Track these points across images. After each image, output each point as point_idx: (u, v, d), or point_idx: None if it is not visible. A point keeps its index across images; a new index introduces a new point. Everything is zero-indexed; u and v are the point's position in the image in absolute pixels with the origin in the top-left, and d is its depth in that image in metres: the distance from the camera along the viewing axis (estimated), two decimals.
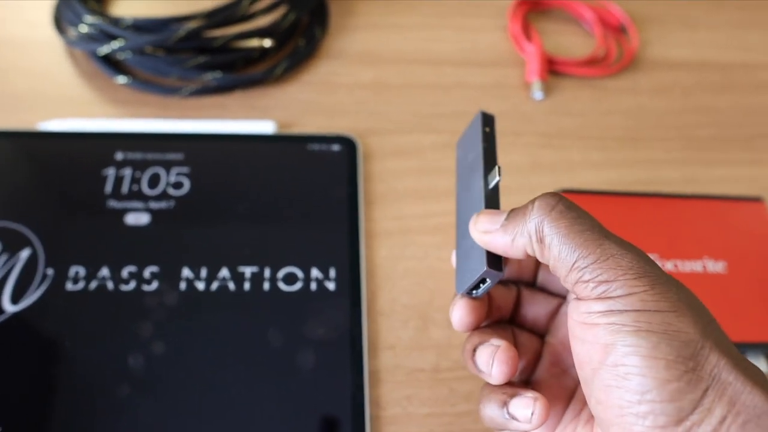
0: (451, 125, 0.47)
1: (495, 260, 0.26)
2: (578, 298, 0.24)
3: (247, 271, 0.39)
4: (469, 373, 0.35)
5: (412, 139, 0.46)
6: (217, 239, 0.40)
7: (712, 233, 0.39)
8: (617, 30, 0.54)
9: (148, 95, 0.47)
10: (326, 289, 0.38)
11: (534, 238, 0.24)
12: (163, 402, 0.34)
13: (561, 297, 0.30)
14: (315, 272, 0.39)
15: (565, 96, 0.50)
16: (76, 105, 0.46)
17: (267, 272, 0.39)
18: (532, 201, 0.25)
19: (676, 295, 0.22)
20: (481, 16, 0.54)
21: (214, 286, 0.38)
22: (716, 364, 0.21)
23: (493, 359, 0.26)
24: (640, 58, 0.53)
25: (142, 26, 0.45)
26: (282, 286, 0.38)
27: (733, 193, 0.46)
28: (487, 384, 0.27)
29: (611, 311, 0.22)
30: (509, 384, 0.27)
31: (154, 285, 0.38)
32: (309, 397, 0.35)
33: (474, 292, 0.27)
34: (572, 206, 0.24)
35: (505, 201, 0.44)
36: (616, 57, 0.53)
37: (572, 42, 0.54)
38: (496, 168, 0.28)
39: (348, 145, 0.44)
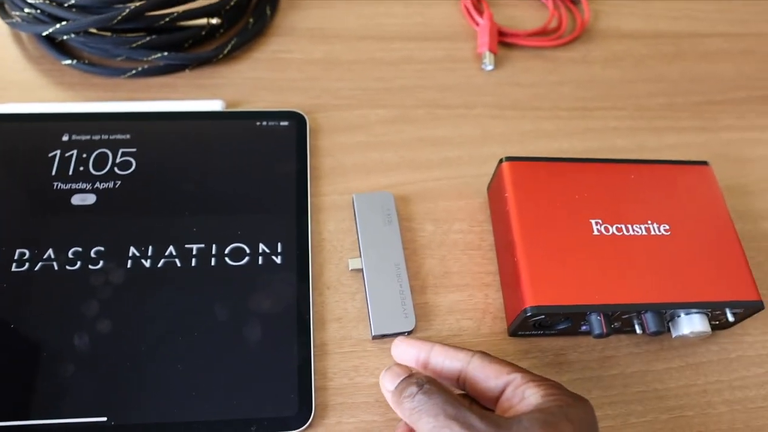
0: (399, 100, 0.47)
1: None
2: None
3: (194, 247, 0.39)
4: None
5: (360, 114, 0.46)
6: (164, 217, 0.40)
7: (657, 197, 0.39)
8: (570, 1, 0.54)
9: (95, 77, 0.46)
10: (273, 263, 0.38)
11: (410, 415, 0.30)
12: (110, 379, 0.34)
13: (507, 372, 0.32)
14: (262, 247, 0.39)
15: (516, 67, 0.50)
16: (23, 89, 0.45)
17: (214, 248, 0.39)
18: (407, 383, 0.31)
19: None
20: None
21: (161, 263, 0.38)
22: None
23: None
24: (593, 29, 0.53)
25: (85, 6, 0.44)
26: (229, 261, 0.38)
27: (683, 158, 0.46)
28: None
29: None
30: None
31: (100, 264, 0.37)
32: (256, 370, 0.35)
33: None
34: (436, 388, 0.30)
35: (458, 171, 0.44)
36: (568, 28, 0.53)
37: (526, 14, 0.54)
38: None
39: (297, 121, 0.44)
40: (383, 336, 0.37)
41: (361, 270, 0.38)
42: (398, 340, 0.34)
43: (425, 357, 0.33)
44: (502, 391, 0.30)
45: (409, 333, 0.37)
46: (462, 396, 0.32)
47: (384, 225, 0.39)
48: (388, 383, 0.31)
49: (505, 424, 0.27)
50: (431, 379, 0.30)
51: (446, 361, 0.32)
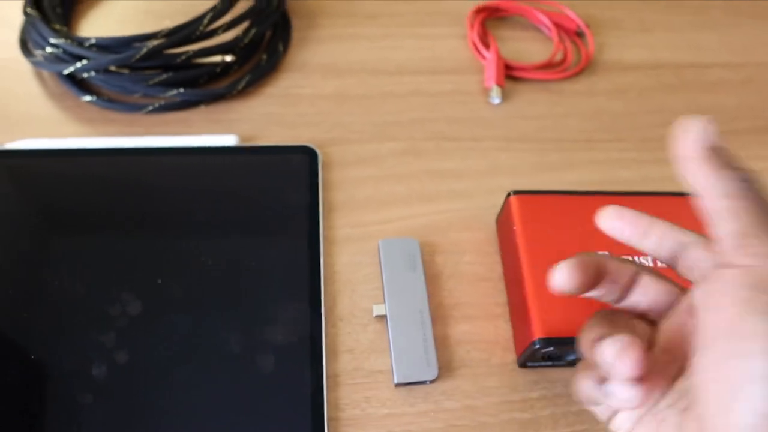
0: (409, 132, 0.48)
1: None
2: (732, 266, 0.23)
3: (209, 279, 0.40)
4: None
5: (371, 148, 0.47)
6: (178, 249, 0.41)
7: None
8: (574, 34, 0.55)
9: (114, 113, 0.48)
10: (287, 295, 0.39)
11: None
12: (126, 408, 0.35)
13: (680, 288, 0.29)
14: (276, 279, 0.40)
15: (522, 100, 0.51)
16: (44, 124, 0.47)
17: (228, 280, 0.40)
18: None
19: None
20: (441, 25, 0.55)
21: (175, 293, 0.39)
22: None
23: (623, 357, 0.25)
24: (597, 62, 0.54)
25: (105, 45, 0.46)
26: (243, 292, 0.39)
27: (686, 190, 0.47)
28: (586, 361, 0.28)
29: None
30: None
31: (117, 294, 0.39)
32: (270, 400, 0.36)
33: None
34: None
35: (467, 203, 0.45)
36: (573, 61, 0.54)
37: (531, 47, 0.55)
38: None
39: (308, 155, 0.45)
40: (406, 384, 0.37)
41: (385, 316, 0.39)
42: (610, 209, 0.31)
43: (647, 224, 0.30)
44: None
45: (431, 382, 0.37)
46: None
47: (408, 271, 0.40)
48: None
49: None
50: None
51: (672, 231, 0.29)
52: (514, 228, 0.39)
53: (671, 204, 0.41)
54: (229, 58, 0.49)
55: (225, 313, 0.38)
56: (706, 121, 0.25)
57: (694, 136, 0.25)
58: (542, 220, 0.39)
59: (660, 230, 0.30)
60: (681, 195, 0.42)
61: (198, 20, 0.47)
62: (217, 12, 0.47)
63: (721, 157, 0.25)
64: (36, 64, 0.48)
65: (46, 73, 0.50)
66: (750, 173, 0.25)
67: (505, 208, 0.41)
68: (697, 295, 0.25)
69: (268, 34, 0.53)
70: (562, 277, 0.28)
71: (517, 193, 0.40)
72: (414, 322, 0.39)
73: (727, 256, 0.23)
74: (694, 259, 0.28)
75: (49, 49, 0.47)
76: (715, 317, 0.23)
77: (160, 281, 0.39)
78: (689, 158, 0.26)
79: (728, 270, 0.23)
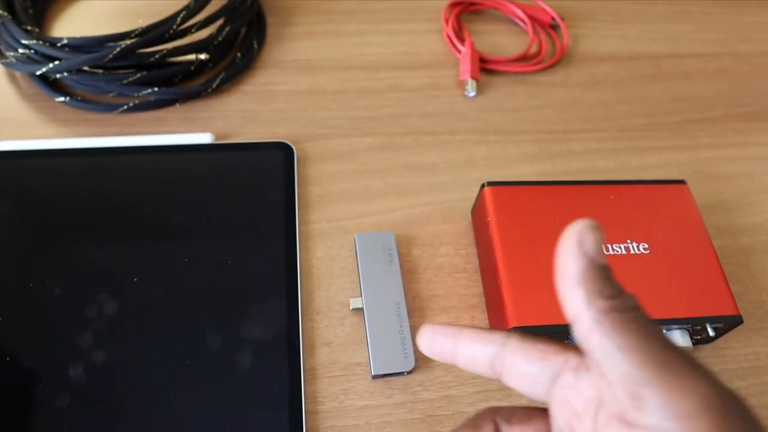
0: (385, 128, 0.48)
1: None
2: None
3: (185, 277, 0.39)
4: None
5: (347, 143, 0.47)
6: (155, 247, 0.40)
7: (637, 217, 0.40)
8: (549, 27, 0.56)
9: (88, 113, 0.47)
10: (263, 291, 0.39)
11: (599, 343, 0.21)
12: (104, 409, 0.35)
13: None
14: (252, 275, 0.40)
15: (499, 93, 0.51)
16: (18, 126, 0.47)
17: (204, 277, 0.39)
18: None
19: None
20: (416, 20, 0.55)
21: (152, 292, 0.39)
22: None
23: None
24: (573, 53, 0.55)
25: (78, 46, 0.46)
26: (219, 289, 0.39)
27: (664, 177, 0.47)
28: None
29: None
30: None
31: (94, 294, 0.38)
32: (248, 396, 0.36)
33: None
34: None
35: (444, 196, 0.45)
36: (548, 53, 0.54)
37: (506, 40, 0.55)
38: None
39: (284, 151, 0.45)
40: (383, 376, 0.37)
41: (362, 309, 0.39)
42: (423, 330, 0.27)
43: (452, 346, 0.26)
44: (556, 378, 0.24)
45: (409, 373, 0.37)
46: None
47: (385, 264, 0.40)
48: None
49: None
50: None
51: (477, 345, 0.25)
52: (488, 219, 0.39)
53: (645, 192, 0.42)
54: (203, 56, 0.49)
55: (202, 310, 0.38)
56: (589, 230, 0.21)
57: (573, 250, 0.21)
58: (516, 210, 0.40)
59: (468, 336, 0.26)
60: (655, 183, 0.42)
61: (171, 19, 0.47)
62: (190, 10, 0.47)
63: (596, 280, 0.21)
64: (8, 65, 0.47)
65: (18, 75, 0.49)
66: (633, 299, 0.21)
67: (480, 199, 0.41)
68: None
69: (243, 31, 0.53)
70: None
71: (491, 184, 0.40)
72: (390, 315, 0.39)
73: (624, 408, 0.20)
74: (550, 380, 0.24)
75: (21, 50, 0.46)
76: None
77: (136, 280, 0.39)
78: (564, 276, 0.21)
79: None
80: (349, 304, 0.40)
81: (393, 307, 0.39)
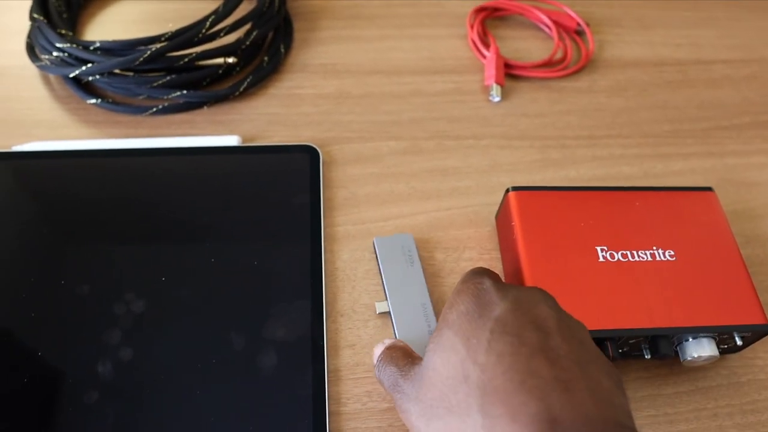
0: (409, 132, 0.48)
1: None
2: None
3: (212, 277, 0.40)
4: None
5: (372, 146, 0.47)
6: (183, 248, 0.41)
7: (662, 223, 0.40)
8: (574, 33, 0.56)
9: (118, 115, 0.48)
10: (289, 292, 0.40)
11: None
12: (131, 407, 0.35)
13: None
14: (278, 276, 0.40)
15: (523, 98, 0.51)
16: (51, 127, 0.48)
17: (231, 278, 0.40)
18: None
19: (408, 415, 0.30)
20: (441, 25, 0.55)
21: (180, 293, 0.39)
22: None
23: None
24: (597, 59, 0.55)
25: (110, 49, 0.47)
26: (245, 290, 0.40)
27: (690, 184, 0.47)
28: None
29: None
30: None
31: (123, 293, 0.39)
32: (272, 396, 0.36)
33: None
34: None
35: (468, 201, 0.46)
36: (573, 59, 0.54)
37: (531, 46, 0.55)
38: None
39: (310, 154, 0.46)
40: None
41: (389, 313, 0.39)
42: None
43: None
44: None
45: None
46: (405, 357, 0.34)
47: (407, 266, 0.41)
48: (374, 357, 0.35)
49: (414, 373, 0.30)
50: (391, 347, 0.34)
51: None
52: (513, 224, 0.39)
53: (672, 198, 0.41)
54: (231, 60, 0.49)
55: (228, 310, 0.39)
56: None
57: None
58: (541, 215, 0.40)
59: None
60: (682, 190, 0.42)
61: (200, 23, 0.48)
62: (219, 15, 0.48)
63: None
64: (42, 68, 0.49)
65: (52, 77, 0.50)
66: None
67: (504, 204, 0.41)
68: None
69: (270, 35, 0.53)
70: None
71: (515, 189, 0.41)
72: (418, 316, 0.39)
73: None
74: None
75: (55, 54, 0.48)
76: None
77: (164, 279, 0.40)
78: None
79: None
80: (375, 308, 0.40)
81: (420, 308, 0.39)
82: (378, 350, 0.35)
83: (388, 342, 0.35)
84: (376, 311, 0.40)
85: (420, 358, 0.31)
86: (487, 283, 0.30)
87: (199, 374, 0.37)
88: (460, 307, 0.29)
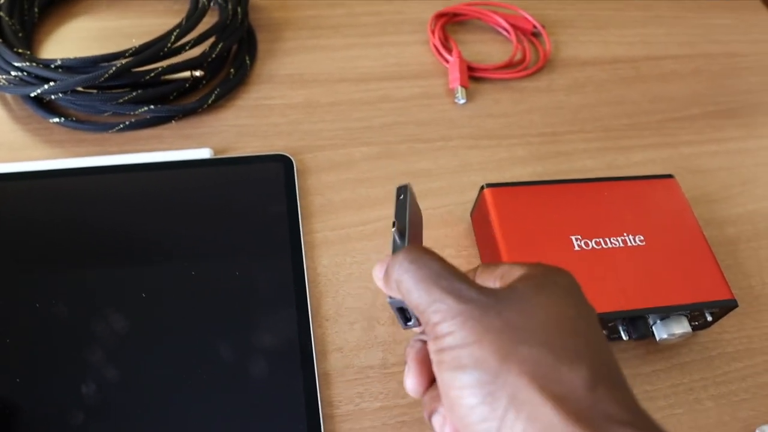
0: (380, 137, 0.49)
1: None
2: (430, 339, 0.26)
3: (194, 291, 0.40)
4: None
5: (344, 153, 0.48)
6: (163, 264, 0.41)
7: (630, 211, 0.42)
8: (531, 35, 0.58)
9: (83, 133, 0.47)
10: (273, 301, 0.40)
11: (399, 288, 0.27)
12: (120, 425, 0.35)
13: None
14: (261, 286, 0.40)
15: (487, 99, 0.53)
16: (11, 149, 0.46)
17: (214, 291, 0.40)
18: (395, 255, 0.27)
19: (482, 327, 0.24)
20: (403, 32, 0.57)
21: (162, 308, 0.39)
22: (515, 385, 0.23)
23: (446, 426, 0.28)
24: (555, 59, 0.57)
25: (72, 67, 0.46)
26: (229, 302, 0.39)
27: (650, 173, 0.49)
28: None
29: (440, 350, 0.25)
30: None
31: (102, 313, 0.38)
32: (265, 404, 0.36)
33: (407, 324, 0.30)
34: (424, 256, 0.27)
35: (441, 201, 0.46)
36: (532, 60, 0.56)
37: (492, 49, 0.57)
38: (393, 222, 0.31)
39: (284, 163, 0.46)
40: None
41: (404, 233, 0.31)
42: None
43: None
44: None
45: None
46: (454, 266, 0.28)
47: (419, 233, 0.34)
48: (377, 272, 0.29)
49: (501, 294, 0.26)
50: (419, 248, 0.27)
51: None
52: (490, 219, 0.40)
53: (637, 187, 0.43)
54: (197, 73, 0.49)
55: (213, 324, 0.38)
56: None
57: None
58: (516, 210, 0.41)
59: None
60: (645, 178, 0.44)
61: (165, 37, 0.47)
62: (183, 29, 0.48)
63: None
64: (1, 88, 0.47)
65: (9, 97, 0.49)
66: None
67: (480, 201, 0.42)
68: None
69: (234, 48, 0.53)
70: (409, 385, 0.29)
71: (490, 186, 0.42)
72: None
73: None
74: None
75: (13, 73, 0.46)
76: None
77: (144, 296, 0.39)
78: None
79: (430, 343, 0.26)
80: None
81: None
82: (381, 265, 0.29)
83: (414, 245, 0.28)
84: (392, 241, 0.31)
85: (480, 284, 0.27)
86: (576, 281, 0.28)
87: (188, 389, 0.36)
88: (564, 279, 0.27)
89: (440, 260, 0.27)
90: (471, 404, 0.23)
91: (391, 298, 0.29)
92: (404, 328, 0.30)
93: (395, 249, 0.30)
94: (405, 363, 0.29)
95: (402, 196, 0.32)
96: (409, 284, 0.26)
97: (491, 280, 0.29)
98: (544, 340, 0.24)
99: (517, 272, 0.28)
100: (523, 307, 0.25)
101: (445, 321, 0.24)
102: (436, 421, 0.28)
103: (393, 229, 0.30)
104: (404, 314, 0.29)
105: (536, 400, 0.22)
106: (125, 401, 0.36)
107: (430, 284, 0.25)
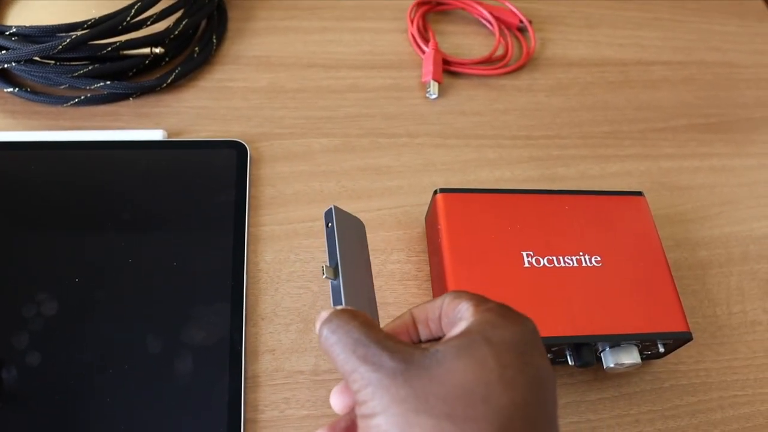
0: (342, 129, 0.47)
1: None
2: None
3: (129, 277, 0.38)
4: None
5: (303, 143, 0.46)
6: (99, 246, 0.39)
7: (591, 228, 0.40)
8: (516, 29, 0.55)
9: (38, 105, 0.46)
10: (208, 294, 0.38)
11: (327, 356, 0.27)
12: (38, 414, 0.34)
13: None
14: (197, 277, 0.39)
15: (461, 96, 0.50)
16: None
17: (149, 278, 0.38)
18: (320, 323, 0.27)
19: (389, 396, 0.24)
20: (382, 19, 0.54)
21: (94, 292, 0.38)
22: None
23: None
24: (539, 57, 0.54)
25: (27, 35, 0.44)
26: (163, 291, 0.38)
27: (625, 187, 0.47)
28: None
29: (360, 416, 0.24)
30: None
31: (32, 293, 0.37)
32: (187, 403, 0.35)
33: None
34: (343, 324, 0.26)
35: (398, 201, 0.44)
36: (514, 56, 0.53)
37: (473, 42, 0.54)
38: (322, 267, 0.30)
39: (237, 150, 0.44)
40: None
41: (339, 284, 0.30)
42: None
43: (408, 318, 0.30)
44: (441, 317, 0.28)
45: None
46: (376, 328, 0.27)
47: (360, 250, 0.33)
48: (318, 322, 0.28)
49: (418, 357, 0.25)
50: (340, 314, 0.27)
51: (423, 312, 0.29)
52: (439, 226, 0.38)
53: (602, 203, 0.41)
54: (158, 50, 0.47)
55: (144, 312, 0.37)
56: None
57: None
58: (468, 218, 0.39)
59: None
60: (613, 194, 0.42)
61: (125, 10, 0.45)
62: (145, 2, 0.46)
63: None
64: None
65: None
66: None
67: (432, 206, 0.40)
68: None
69: (203, 25, 0.51)
70: (334, 403, 0.29)
71: (443, 191, 0.40)
72: (363, 307, 0.33)
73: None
74: None
75: None
76: None
77: (77, 280, 0.38)
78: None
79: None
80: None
81: (366, 303, 0.32)
82: (324, 314, 0.28)
83: (341, 307, 0.29)
84: (322, 275, 0.31)
85: (405, 344, 0.26)
86: (535, 331, 0.27)
87: (111, 378, 0.35)
88: (506, 334, 0.25)
89: (361, 325, 0.26)
90: None
91: None
92: None
93: (334, 294, 0.30)
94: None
95: (330, 224, 0.31)
96: (332, 354, 0.26)
97: (446, 321, 0.28)
98: (448, 411, 0.23)
99: (461, 324, 0.26)
100: (437, 372, 0.24)
101: (362, 389, 0.24)
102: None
103: (324, 276, 0.30)
104: None
105: None
106: (45, 388, 0.35)
107: (348, 353, 0.26)
